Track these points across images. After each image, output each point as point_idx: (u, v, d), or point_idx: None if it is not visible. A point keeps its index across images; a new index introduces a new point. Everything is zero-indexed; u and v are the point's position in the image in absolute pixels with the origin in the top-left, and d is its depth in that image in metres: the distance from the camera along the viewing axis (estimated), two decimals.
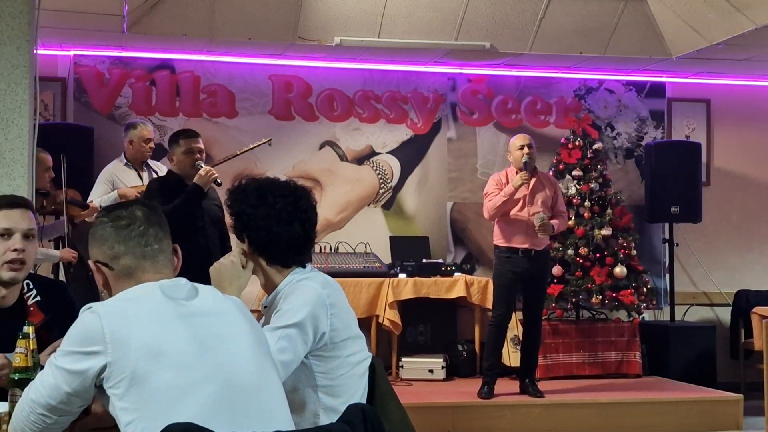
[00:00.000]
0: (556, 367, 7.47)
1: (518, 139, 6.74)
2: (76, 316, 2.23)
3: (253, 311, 2.49)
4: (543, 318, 7.26)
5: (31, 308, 3.06)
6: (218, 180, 5.61)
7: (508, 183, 6.64)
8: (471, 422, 6.41)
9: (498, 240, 6.72)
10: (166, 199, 5.35)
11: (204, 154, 5.74)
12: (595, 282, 7.50)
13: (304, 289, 2.85)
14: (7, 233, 3.00)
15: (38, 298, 3.11)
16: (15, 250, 2.99)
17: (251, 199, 2.92)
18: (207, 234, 5.50)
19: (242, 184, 2.98)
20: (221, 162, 6.38)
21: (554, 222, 6.65)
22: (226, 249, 5.84)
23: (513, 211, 6.64)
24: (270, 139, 6.59)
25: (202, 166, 5.57)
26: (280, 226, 2.89)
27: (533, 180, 6.67)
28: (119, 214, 2.38)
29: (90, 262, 2.41)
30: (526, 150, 6.61)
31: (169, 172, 5.80)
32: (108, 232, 2.36)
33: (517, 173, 6.62)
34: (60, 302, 3.15)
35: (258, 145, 6.49)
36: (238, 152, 6.46)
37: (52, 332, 2.95)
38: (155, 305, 2.22)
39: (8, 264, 2.99)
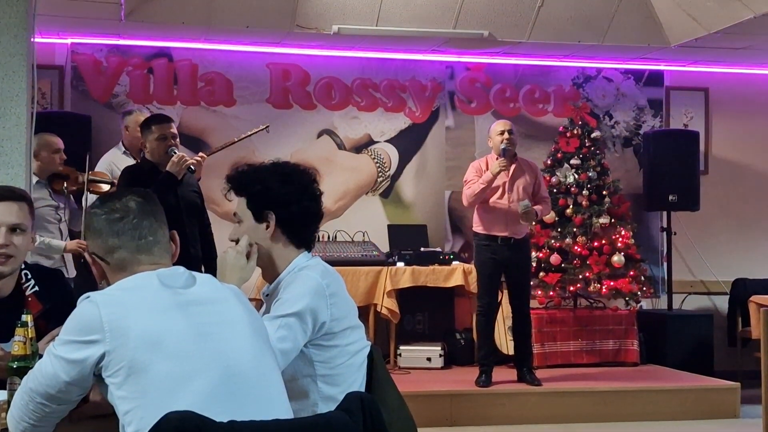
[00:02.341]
0: (553, 356, 7.48)
1: (499, 125, 6.74)
2: (74, 305, 2.23)
3: (251, 300, 2.49)
4: (541, 306, 7.27)
5: (30, 299, 3.05)
6: (192, 167, 5.53)
7: (488, 170, 6.62)
8: (469, 410, 6.42)
9: (477, 227, 6.72)
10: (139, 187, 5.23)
11: (177, 140, 5.57)
12: (592, 270, 7.51)
13: (304, 278, 2.85)
14: None
15: (36, 288, 3.10)
16: (1, 245, 2.96)
17: (275, 176, 2.93)
18: (183, 223, 5.31)
19: (253, 165, 2.99)
20: (219, 149, 6.32)
21: (537, 208, 6.66)
22: (207, 236, 5.81)
23: (492, 199, 6.63)
24: (267, 126, 6.52)
25: (175, 153, 5.42)
26: (308, 201, 2.95)
27: (513, 167, 6.66)
28: (113, 206, 2.37)
29: (86, 254, 2.41)
30: (506, 135, 6.60)
31: (143, 159, 5.66)
32: (102, 225, 2.36)
33: (497, 159, 6.61)
34: (58, 291, 3.15)
35: (256, 132, 6.43)
36: (236, 139, 6.37)
37: (50, 321, 2.94)
38: (153, 294, 2.22)
39: None
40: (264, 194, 2.91)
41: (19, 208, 3.04)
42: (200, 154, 5.86)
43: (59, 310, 2.93)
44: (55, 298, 3.10)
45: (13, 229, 3.01)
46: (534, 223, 6.98)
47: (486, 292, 6.69)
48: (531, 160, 7.02)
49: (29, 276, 3.11)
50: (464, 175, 6.60)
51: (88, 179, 5.88)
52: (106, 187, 5.95)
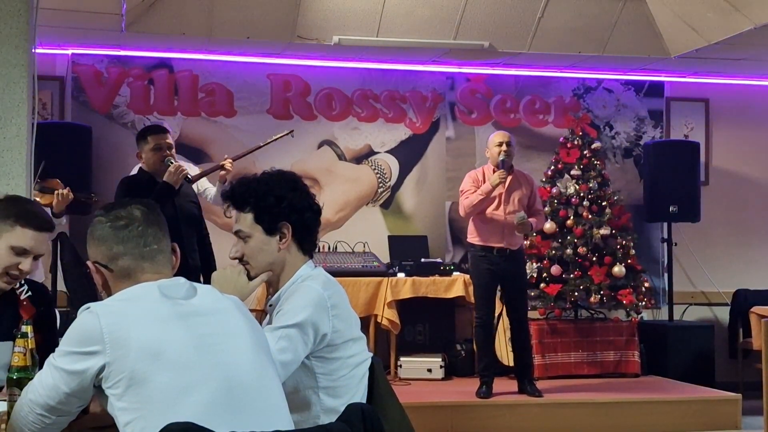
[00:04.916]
0: (554, 367, 7.46)
1: (497, 136, 6.74)
2: (54, 315, 2.23)
3: (252, 310, 2.48)
4: (541, 317, 7.25)
5: (24, 302, 3.09)
6: (189, 176, 5.52)
7: (484, 180, 6.62)
8: (470, 422, 6.40)
9: (473, 238, 6.70)
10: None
11: (174, 150, 5.58)
12: (593, 281, 7.49)
13: (306, 290, 2.83)
14: (24, 252, 2.99)
15: (30, 293, 3.14)
16: (22, 270, 3.00)
17: (286, 185, 2.90)
18: (180, 233, 5.27)
19: (250, 178, 2.95)
20: (244, 155, 6.29)
21: (532, 220, 6.65)
22: (206, 246, 5.80)
23: (489, 210, 6.63)
24: (292, 131, 6.52)
25: (171, 163, 5.41)
26: (315, 204, 2.94)
27: (509, 178, 6.66)
28: (118, 214, 2.37)
29: (89, 263, 2.40)
30: (504, 147, 6.60)
31: (140, 170, 5.64)
32: (107, 232, 2.35)
33: (494, 171, 6.60)
34: (44, 300, 3.20)
35: (281, 137, 6.39)
36: (261, 144, 6.35)
37: (41, 330, 2.97)
38: (154, 305, 2.21)
39: (8, 276, 3.00)
40: (278, 205, 2.87)
41: (49, 236, 3.09)
42: (228, 160, 5.87)
43: (47, 317, 3.10)
44: (43, 304, 3.16)
45: (37, 256, 3.05)
46: (534, 234, 6.98)
47: (483, 304, 6.67)
48: (527, 173, 7.01)
49: (22, 282, 3.15)
50: None
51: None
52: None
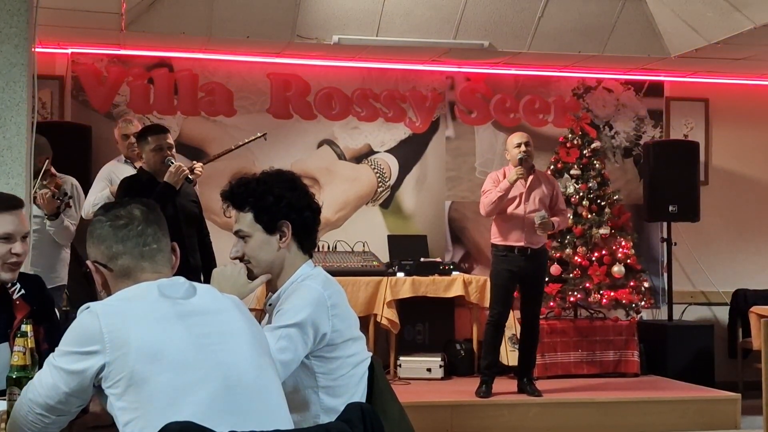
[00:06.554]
0: (554, 366, 7.46)
1: (516, 137, 6.75)
2: (53, 309, 2.23)
3: (251, 310, 2.48)
4: (541, 317, 7.25)
5: (18, 302, 3.11)
6: (189, 177, 5.52)
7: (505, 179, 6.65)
8: (469, 421, 6.41)
9: (495, 238, 6.72)
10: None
11: (174, 150, 5.56)
12: (593, 281, 7.50)
13: (306, 289, 2.84)
14: (9, 237, 3.05)
15: (23, 291, 3.15)
16: (17, 254, 3.05)
17: (283, 184, 2.91)
18: (181, 233, 5.26)
19: (249, 178, 2.95)
20: (216, 157, 6.31)
21: (555, 219, 6.67)
22: (206, 246, 5.80)
23: (510, 209, 6.64)
24: (265, 134, 6.52)
25: (172, 163, 5.40)
26: (314, 202, 2.95)
27: (530, 178, 6.68)
28: (117, 213, 2.37)
29: (88, 262, 2.41)
30: (523, 148, 6.62)
31: (140, 169, 5.64)
32: (106, 231, 2.35)
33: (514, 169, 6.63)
34: (40, 295, 3.22)
35: (253, 140, 6.41)
36: (234, 147, 6.35)
37: (41, 324, 2.99)
38: (153, 304, 2.22)
39: (8, 265, 3.06)
40: (277, 204, 2.87)
41: (24, 214, 3.12)
42: (198, 165, 5.87)
43: (44, 312, 3.10)
44: (38, 301, 3.17)
45: (24, 237, 3.09)
46: (557, 230, 6.99)
47: (498, 303, 6.67)
48: (549, 174, 7.03)
49: (15, 280, 3.16)
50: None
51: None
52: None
